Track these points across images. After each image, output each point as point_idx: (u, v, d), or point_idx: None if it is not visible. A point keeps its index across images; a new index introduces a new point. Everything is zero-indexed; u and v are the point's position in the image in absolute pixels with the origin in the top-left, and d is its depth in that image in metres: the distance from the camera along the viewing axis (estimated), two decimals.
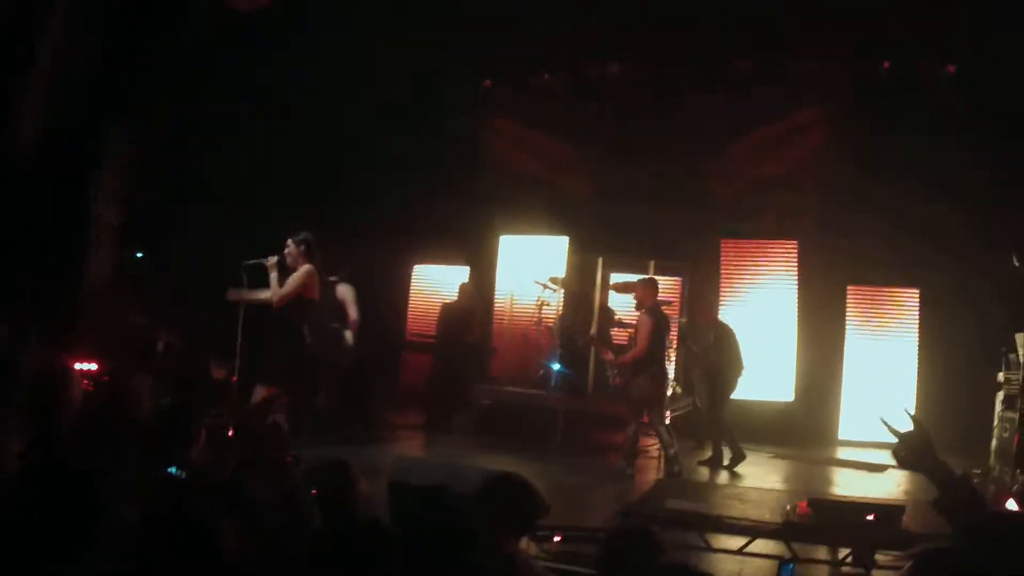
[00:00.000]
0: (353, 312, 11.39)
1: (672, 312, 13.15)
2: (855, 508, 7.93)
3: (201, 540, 2.97)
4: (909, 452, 3.47)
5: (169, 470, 4.61)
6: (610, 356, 10.99)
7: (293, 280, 8.84)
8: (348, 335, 11.36)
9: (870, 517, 7.66)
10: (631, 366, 10.36)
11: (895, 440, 3.42)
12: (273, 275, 8.86)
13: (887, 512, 7.87)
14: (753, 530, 7.52)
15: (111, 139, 11.21)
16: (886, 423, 3.50)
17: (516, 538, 4.38)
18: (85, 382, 8.68)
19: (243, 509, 4.02)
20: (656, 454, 11.17)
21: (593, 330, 12.51)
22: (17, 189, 10.16)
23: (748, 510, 8.56)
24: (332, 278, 10.97)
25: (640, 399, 10.29)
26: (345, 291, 11.44)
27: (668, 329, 10.85)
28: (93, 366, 9.13)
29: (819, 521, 7.60)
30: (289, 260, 8.93)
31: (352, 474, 4.65)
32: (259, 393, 8.70)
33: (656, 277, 11.69)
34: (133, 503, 3.56)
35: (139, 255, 12.44)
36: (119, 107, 11.25)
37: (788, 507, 7.91)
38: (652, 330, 10.23)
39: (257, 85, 12.83)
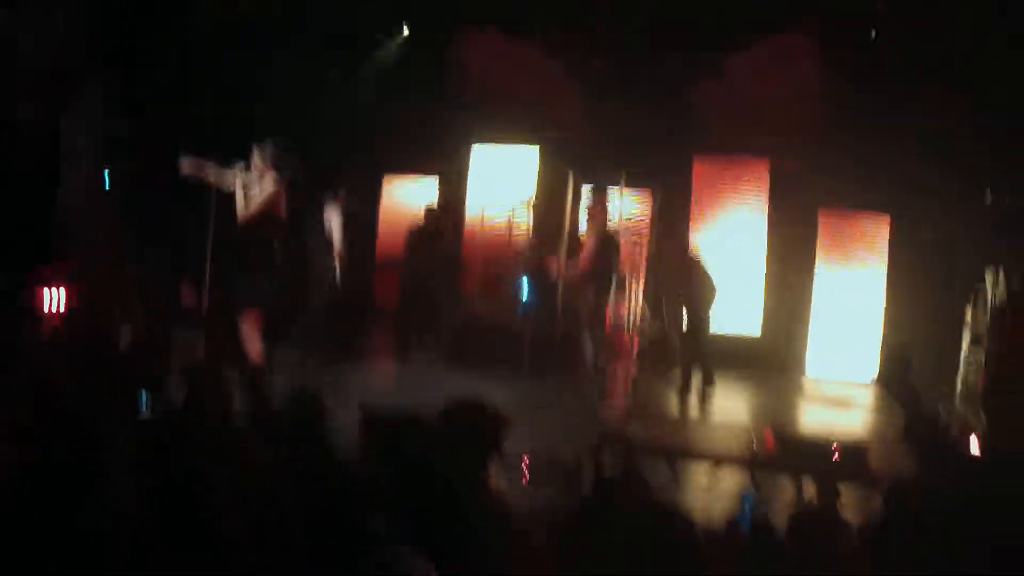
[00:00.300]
0: (336, 241, 11.15)
1: (644, 227, 13.19)
2: (821, 441, 8.04)
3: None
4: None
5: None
6: (554, 264, 11.16)
7: (259, 193, 8.48)
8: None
9: (835, 453, 7.76)
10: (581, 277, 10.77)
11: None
12: (239, 187, 8.53)
13: (853, 448, 7.98)
14: (718, 457, 7.58)
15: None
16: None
17: (484, 463, 4.33)
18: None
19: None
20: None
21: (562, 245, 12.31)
22: None
23: (716, 440, 8.66)
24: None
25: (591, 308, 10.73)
26: (333, 216, 11.23)
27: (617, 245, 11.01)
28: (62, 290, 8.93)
29: (783, 452, 7.69)
30: (254, 171, 8.56)
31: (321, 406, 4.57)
32: (243, 320, 8.42)
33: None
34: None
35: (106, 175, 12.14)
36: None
37: (753, 437, 7.99)
38: (598, 245, 10.66)
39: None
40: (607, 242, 10.74)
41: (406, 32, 14.95)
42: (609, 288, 10.87)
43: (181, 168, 8.74)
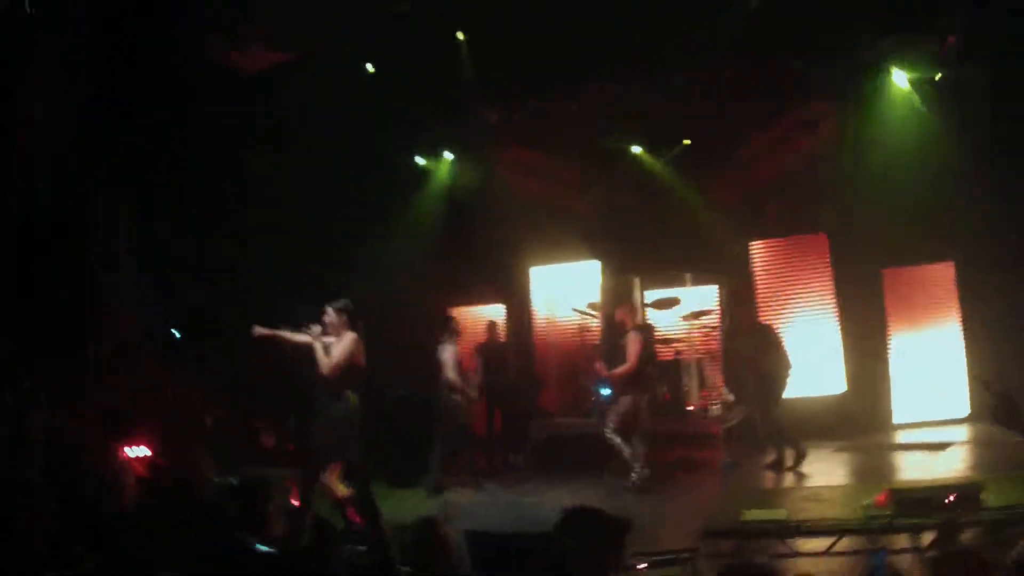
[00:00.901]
0: (450, 373, 11.27)
1: (712, 321, 13.29)
2: (934, 491, 7.78)
3: None
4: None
5: (257, 546, 4.52)
6: (602, 369, 11.09)
7: (341, 349, 8.82)
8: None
9: (951, 498, 7.51)
10: (621, 381, 10.72)
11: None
12: (318, 345, 8.84)
13: (966, 490, 7.72)
14: (837, 529, 7.37)
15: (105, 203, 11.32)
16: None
17: (605, 571, 4.23)
18: (139, 468, 8.62)
19: None
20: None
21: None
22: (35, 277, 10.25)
23: (825, 509, 8.44)
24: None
25: (628, 412, 10.60)
26: (447, 352, 11.39)
27: (653, 343, 11.22)
28: (145, 450, 9.07)
29: (900, 510, 7.46)
30: (330, 329, 8.92)
31: (443, 530, 4.53)
32: (328, 471, 8.56)
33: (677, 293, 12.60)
34: None
35: (174, 332, 12.44)
36: (112, 170, 11.38)
37: (866, 501, 7.78)
38: (641, 348, 10.63)
39: (283, 147, 12.99)
40: (647, 341, 10.93)
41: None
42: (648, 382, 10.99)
43: (254, 334, 9.18)
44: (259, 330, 9.20)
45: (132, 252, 12.10)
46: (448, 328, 11.70)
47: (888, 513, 7.56)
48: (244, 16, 12.21)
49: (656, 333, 13.11)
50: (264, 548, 4.50)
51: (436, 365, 11.42)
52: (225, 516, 5.15)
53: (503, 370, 13.04)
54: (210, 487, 6.32)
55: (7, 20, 10.61)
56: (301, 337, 8.98)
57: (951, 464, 10.32)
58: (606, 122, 14.29)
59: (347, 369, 8.84)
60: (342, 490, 8.44)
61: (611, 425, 10.63)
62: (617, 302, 13.31)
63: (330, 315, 8.96)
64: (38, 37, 11.06)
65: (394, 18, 12.86)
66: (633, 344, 10.69)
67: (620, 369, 10.76)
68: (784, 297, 13.75)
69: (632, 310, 11.29)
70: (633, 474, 10.47)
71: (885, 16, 11.84)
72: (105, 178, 11.72)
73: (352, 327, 8.96)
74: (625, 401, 10.65)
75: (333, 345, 8.85)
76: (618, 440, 10.55)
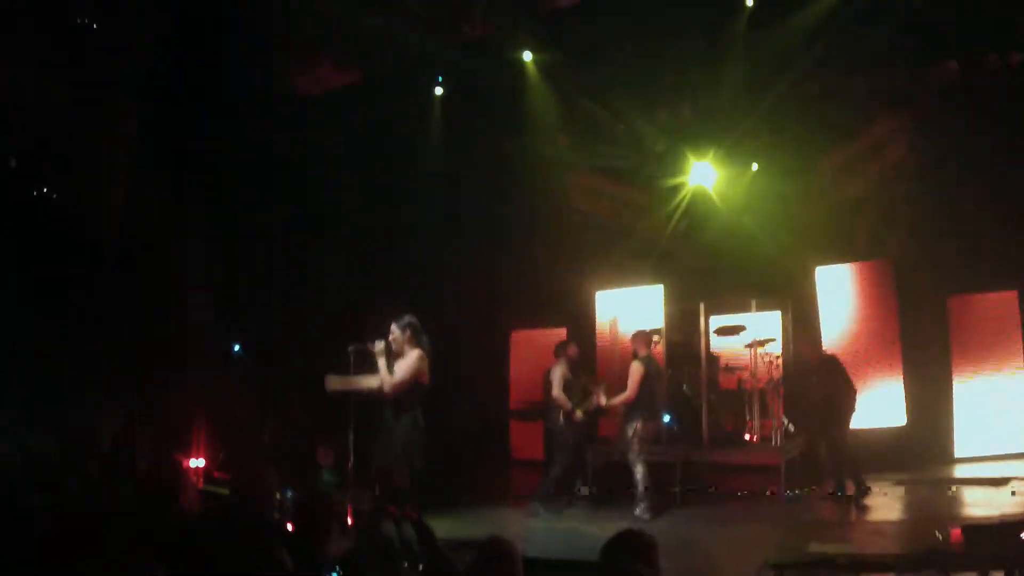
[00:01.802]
0: (556, 391, 11.28)
1: (775, 348, 13.08)
2: (1005, 527, 7.58)
3: None
4: None
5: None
6: (601, 400, 11.24)
7: (405, 366, 8.64)
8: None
9: (1023, 535, 7.31)
10: (624, 409, 10.88)
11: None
12: (381, 361, 8.67)
13: None
14: (906, 564, 7.18)
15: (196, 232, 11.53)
16: None
17: None
18: (199, 480, 8.71)
19: None
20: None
21: (701, 373, 12.57)
22: (108, 291, 10.46)
23: (890, 544, 8.27)
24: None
25: (632, 439, 10.69)
26: (556, 372, 11.41)
27: (660, 376, 11.28)
28: (201, 462, 9.16)
29: (973, 547, 7.27)
30: (395, 346, 8.76)
31: (513, 550, 4.50)
32: (391, 488, 8.50)
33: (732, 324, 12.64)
34: None
35: (237, 348, 12.58)
36: (198, 201, 11.60)
37: (940, 535, 7.61)
38: (642, 377, 10.78)
39: (345, 169, 13.13)
40: (650, 372, 10.92)
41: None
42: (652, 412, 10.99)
43: (327, 386, 8.84)
44: (332, 384, 8.88)
45: (207, 272, 12.29)
46: (560, 349, 11.68)
47: (957, 549, 7.37)
48: (311, 38, 12.41)
49: (722, 360, 13.14)
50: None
51: (547, 385, 11.50)
52: (284, 532, 5.17)
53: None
54: (271, 501, 6.33)
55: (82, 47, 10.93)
56: (371, 381, 8.73)
57: (1015, 499, 10.05)
58: (674, 147, 14.22)
59: (412, 386, 8.67)
60: (404, 508, 8.37)
61: (634, 451, 10.72)
62: (683, 327, 13.37)
63: (394, 332, 8.79)
64: (113, 66, 11.36)
65: (464, 43, 13.04)
66: (634, 373, 10.83)
67: (619, 398, 10.96)
68: (848, 324, 13.43)
69: (644, 341, 11.20)
70: (638, 510, 10.53)
71: (953, 34, 11.69)
72: (183, 201, 11.93)
73: (418, 343, 8.78)
74: (630, 430, 10.74)
75: (398, 362, 8.70)
76: (641, 471, 10.64)
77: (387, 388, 8.59)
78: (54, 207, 11.01)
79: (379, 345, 8.71)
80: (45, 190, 11.15)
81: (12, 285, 10.04)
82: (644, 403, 10.83)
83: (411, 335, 8.78)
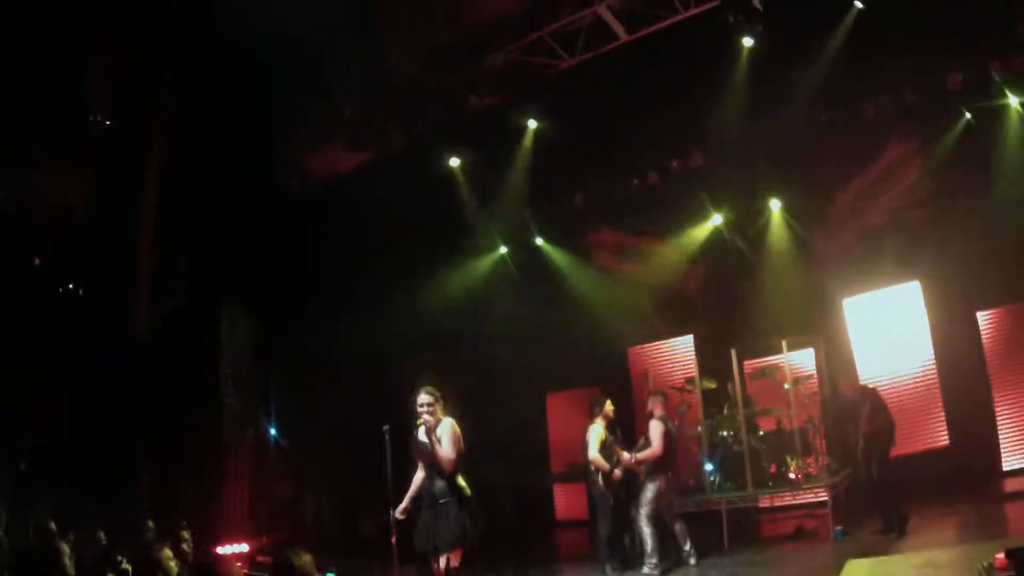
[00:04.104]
0: (591, 452, 11.23)
1: (811, 385, 13.05)
2: None
3: None
4: None
5: None
6: (624, 456, 11.00)
7: (450, 438, 8.12)
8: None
9: None
10: (648, 467, 10.75)
11: None
12: (434, 438, 8.13)
13: None
14: None
15: (231, 323, 11.70)
16: None
17: None
18: (240, 565, 8.72)
19: None
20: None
21: (740, 417, 12.40)
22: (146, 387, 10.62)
23: (942, 574, 8.11)
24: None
25: (652, 498, 10.59)
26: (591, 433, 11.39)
27: (673, 437, 11.04)
28: (245, 547, 9.18)
29: (1018, 569, 7.14)
30: (431, 418, 8.21)
31: None
32: (451, 560, 8.29)
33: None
34: None
35: (272, 432, 12.68)
36: (233, 289, 11.79)
37: (984, 564, 7.47)
38: (664, 433, 10.72)
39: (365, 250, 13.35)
40: (669, 429, 10.83)
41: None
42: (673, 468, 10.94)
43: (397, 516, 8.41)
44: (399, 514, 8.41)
45: (254, 366, 12.45)
46: (596, 409, 11.63)
47: (1007, 574, 7.24)
48: (322, 122, 12.68)
49: (759, 403, 13.07)
50: None
51: (584, 446, 11.36)
52: None
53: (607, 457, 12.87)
54: None
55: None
56: (419, 475, 8.27)
57: None
58: (691, 194, 14.33)
59: (459, 456, 8.16)
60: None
61: (644, 513, 10.60)
62: (717, 374, 13.29)
63: (427, 400, 8.24)
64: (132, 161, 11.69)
65: (476, 112, 13.25)
66: (656, 430, 10.76)
67: (645, 453, 10.81)
68: (881, 351, 13.37)
69: (660, 401, 11.14)
70: (646, 568, 10.38)
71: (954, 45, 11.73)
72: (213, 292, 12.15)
73: (446, 410, 8.32)
74: (652, 488, 10.64)
75: (441, 435, 8.12)
76: (648, 530, 10.49)
77: (445, 466, 8.04)
78: (81, 304, 11.23)
79: (429, 420, 8.18)
80: (71, 286, 11.39)
81: (52, 381, 10.25)
82: (667, 461, 10.80)
83: (442, 402, 8.34)
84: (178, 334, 11.64)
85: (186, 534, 9.01)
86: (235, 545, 9.23)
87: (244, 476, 11.15)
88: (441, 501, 7.98)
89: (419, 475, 8.25)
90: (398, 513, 8.36)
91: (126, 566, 7.42)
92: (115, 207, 11.82)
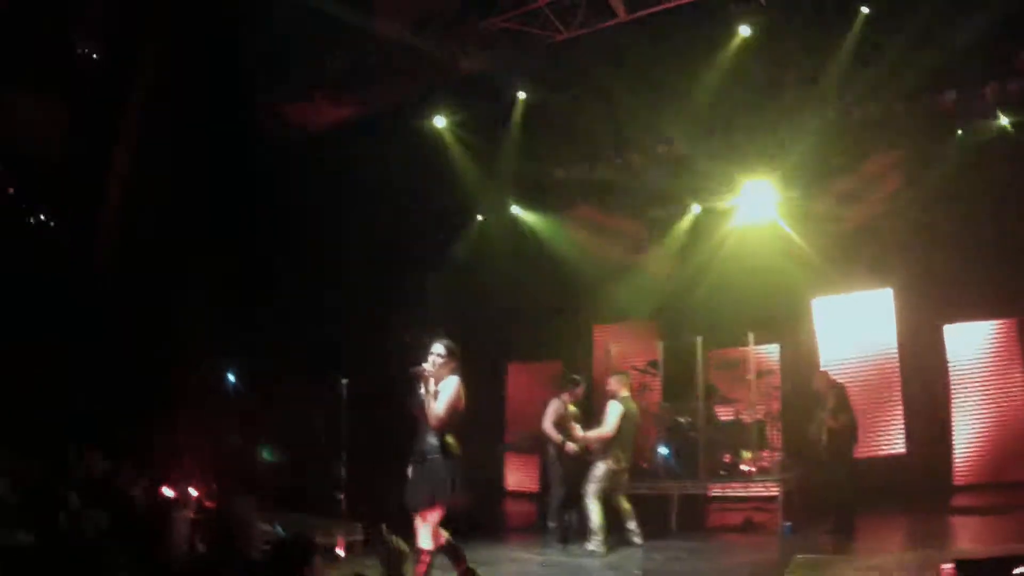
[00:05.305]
0: (545, 424, 11.26)
1: (774, 380, 13.21)
2: (1002, 563, 7.48)
3: None
4: None
5: None
6: (579, 435, 11.12)
7: (449, 395, 7.84)
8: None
9: (1019, 570, 7.22)
10: (598, 446, 10.80)
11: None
12: (430, 389, 7.87)
13: None
14: None
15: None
16: None
17: None
18: (190, 512, 8.61)
19: None
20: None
21: (699, 405, 12.47)
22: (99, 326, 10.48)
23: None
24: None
25: (606, 475, 10.65)
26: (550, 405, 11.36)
27: (632, 419, 11.05)
28: (193, 491, 9.08)
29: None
30: (433, 368, 7.94)
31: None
32: (427, 517, 8.17)
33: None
34: None
35: (230, 376, 12.56)
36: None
37: (931, 573, 7.52)
38: (621, 415, 10.76)
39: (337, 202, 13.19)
40: (627, 412, 10.87)
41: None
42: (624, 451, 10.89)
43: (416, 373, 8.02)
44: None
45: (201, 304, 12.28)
46: (565, 384, 11.60)
47: None
48: (311, 74, 12.50)
49: (720, 392, 13.12)
50: None
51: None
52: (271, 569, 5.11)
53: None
54: (255, 534, 6.20)
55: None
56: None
57: (1015, 530, 9.98)
58: (668, 181, 14.25)
59: (456, 411, 7.89)
60: (445, 536, 8.13)
61: (591, 491, 10.65)
62: (681, 360, 13.28)
63: (440, 352, 7.95)
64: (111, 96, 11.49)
65: (462, 78, 13.10)
66: (612, 412, 10.82)
67: (595, 433, 10.89)
68: (846, 354, 13.44)
69: (624, 383, 11.21)
70: (591, 544, 10.45)
71: (950, 65, 11.71)
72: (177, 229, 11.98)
73: (455, 369, 7.96)
74: (603, 466, 10.71)
75: (441, 389, 7.87)
76: (595, 507, 10.55)
77: (433, 422, 7.83)
78: (48, 235, 11.04)
79: (429, 368, 7.88)
80: (41, 217, 11.20)
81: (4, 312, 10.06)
82: (619, 443, 10.81)
83: (454, 360, 8.06)
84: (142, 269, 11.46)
85: (133, 472, 8.91)
86: (183, 488, 9.12)
87: (197, 421, 11.02)
88: (429, 457, 7.84)
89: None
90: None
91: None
92: (91, 142, 11.59)
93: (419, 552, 7.80)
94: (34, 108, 11.12)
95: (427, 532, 7.86)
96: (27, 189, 11.23)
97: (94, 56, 11.76)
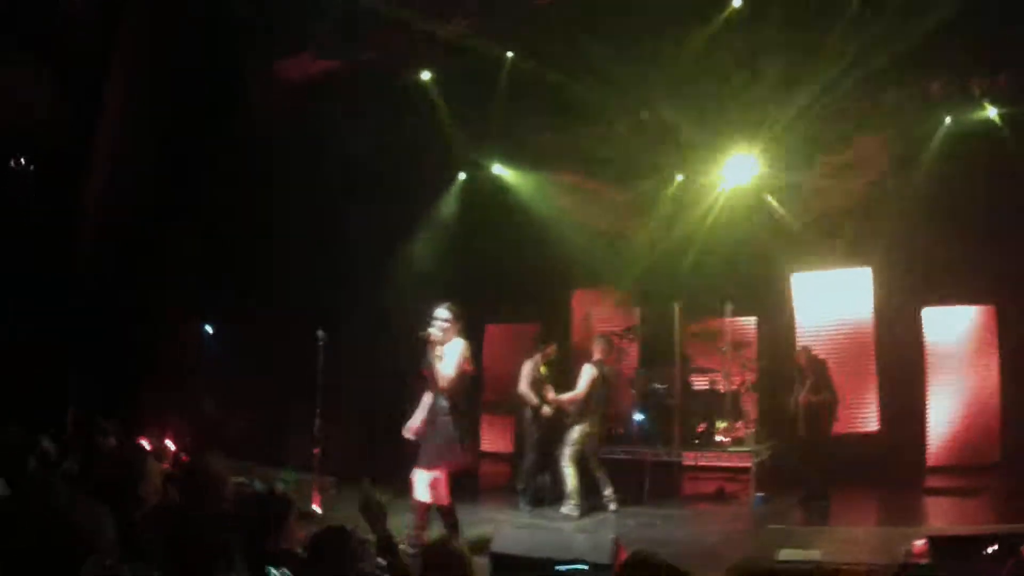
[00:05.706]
0: (521, 386, 11.41)
1: (750, 353, 13.21)
2: (975, 541, 7.54)
3: None
4: None
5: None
6: (549, 395, 11.27)
7: (455, 359, 8.10)
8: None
9: (992, 548, 7.27)
10: (577, 407, 10.94)
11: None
12: (436, 352, 8.07)
13: (1009, 542, 7.47)
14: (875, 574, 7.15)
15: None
16: None
17: None
18: (166, 463, 8.61)
19: None
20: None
21: (676, 372, 12.56)
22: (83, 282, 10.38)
23: (861, 553, 8.22)
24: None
25: (581, 438, 10.81)
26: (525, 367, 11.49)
27: (608, 383, 11.28)
28: (171, 445, 9.07)
29: (938, 558, 7.23)
30: (440, 333, 8.11)
31: (456, 549, 4.35)
32: (426, 476, 8.19)
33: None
34: None
35: (207, 329, 12.49)
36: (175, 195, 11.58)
37: (904, 549, 7.56)
38: (593, 378, 10.94)
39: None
40: (601, 376, 11.08)
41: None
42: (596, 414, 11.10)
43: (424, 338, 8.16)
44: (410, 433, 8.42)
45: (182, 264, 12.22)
46: (538, 345, 11.57)
47: (927, 561, 7.33)
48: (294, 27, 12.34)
49: (695, 362, 13.14)
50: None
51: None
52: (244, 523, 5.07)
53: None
54: (225, 488, 6.15)
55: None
56: (427, 399, 8.33)
57: (984, 512, 10.08)
58: (653, 149, 14.16)
59: (464, 374, 8.18)
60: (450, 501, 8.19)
61: (567, 454, 10.77)
62: (658, 328, 13.30)
63: (442, 320, 8.12)
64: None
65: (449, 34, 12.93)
66: (585, 375, 10.94)
67: (567, 395, 11.01)
68: (823, 330, 13.46)
69: (601, 348, 11.38)
70: (565, 508, 10.60)
71: (941, 53, 11.65)
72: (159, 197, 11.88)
73: (459, 332, 8.19)
74: (578, 429, 10.83)
75: (447, 353, 8.09)
76: (570, 471, 10.67)
77: (443, 384, 8.04)
78: (33, 206, 10.91)
79: (436, 333, 8.06)
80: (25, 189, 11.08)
81: None
82: (594, 407, 10.92)
83: (458, 323, 8.23)
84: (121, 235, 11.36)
85: (107, 424, 8.84)
86: (159, 441, 9.09)
87: (176, 371, 10.97)
88: (440, 417, 8.09)
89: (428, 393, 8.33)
90: (407, 433, 8.35)
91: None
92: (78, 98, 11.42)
93: (415, 505, 8.05)
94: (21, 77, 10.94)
95: (425, 485, 7.98)
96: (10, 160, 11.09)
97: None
